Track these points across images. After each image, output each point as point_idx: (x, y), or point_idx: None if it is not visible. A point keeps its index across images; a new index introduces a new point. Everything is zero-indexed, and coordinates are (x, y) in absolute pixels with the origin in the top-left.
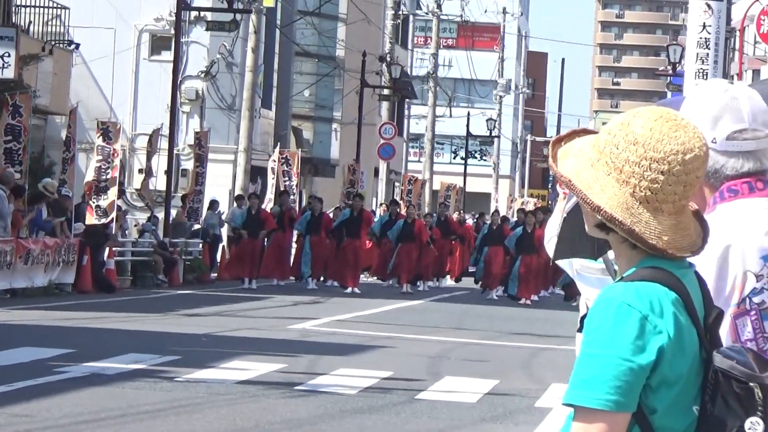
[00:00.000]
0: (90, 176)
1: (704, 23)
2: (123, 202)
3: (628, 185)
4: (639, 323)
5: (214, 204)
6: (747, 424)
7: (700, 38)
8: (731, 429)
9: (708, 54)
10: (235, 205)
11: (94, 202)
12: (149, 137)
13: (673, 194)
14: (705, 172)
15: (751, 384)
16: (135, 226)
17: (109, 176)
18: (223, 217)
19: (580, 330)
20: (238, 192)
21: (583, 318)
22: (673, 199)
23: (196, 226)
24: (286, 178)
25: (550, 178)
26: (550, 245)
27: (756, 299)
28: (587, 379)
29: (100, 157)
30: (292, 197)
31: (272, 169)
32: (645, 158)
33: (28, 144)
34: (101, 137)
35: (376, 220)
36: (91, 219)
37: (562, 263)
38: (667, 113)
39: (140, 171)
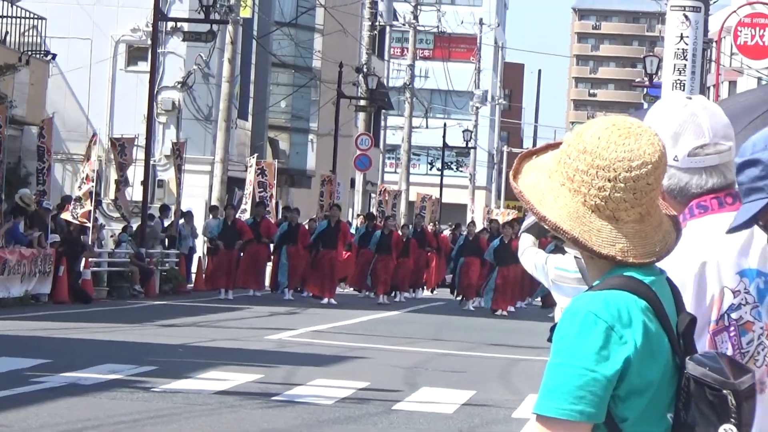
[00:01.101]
0: (82, 190)
1: (682, 34)
2: (99, 213)
3: (579, 194)
4: (604, 333)
5: (187, 215)
6: (720, 431)
7: (678, 49)
8: None
9: (686, 65)
10: (210, 216)
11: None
12: (120, 147)
13: (623, 202)
14: (659, 179)
15: (724, 391)
16: (111, 236)
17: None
18: (199, 229)
19: (550, 339)
20: (214, 203)
21: (553, 327)
22: (624, 207)
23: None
24: (262, 189)
25: None
26: (524, 257)
27: (734, 315)
28: (551, 388)
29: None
30: (267, 208)
31: (250, 181)
32: (592, 166)
33: (4, 155)
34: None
35: (353, 231)
36: (66, 215)
37: (537, 274)
38: (621, 122)
39: (116, 181)
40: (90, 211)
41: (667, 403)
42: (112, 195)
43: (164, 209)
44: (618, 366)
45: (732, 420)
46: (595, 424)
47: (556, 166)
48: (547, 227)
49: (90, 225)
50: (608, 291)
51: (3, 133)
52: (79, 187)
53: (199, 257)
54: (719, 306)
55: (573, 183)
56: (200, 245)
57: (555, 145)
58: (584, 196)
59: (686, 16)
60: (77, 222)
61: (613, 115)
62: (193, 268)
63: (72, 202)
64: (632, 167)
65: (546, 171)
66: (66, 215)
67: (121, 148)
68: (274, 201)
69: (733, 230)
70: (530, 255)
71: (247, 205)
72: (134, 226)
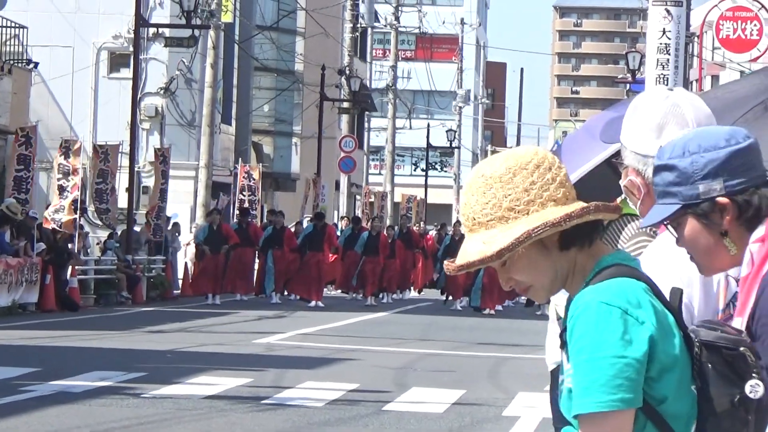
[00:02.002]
0: (54, 195)
1: (664, 29)
2: (84, 221)
3: (509, 216)
4: (621, 319)
5: (174, 225)
6: (747, 388)
7: (660, 44)
8: (732, 397)
9: (668, 59)
10: (202, 220)
11: (50, 215)
12: (104, 154)
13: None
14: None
15: (741, 349)
16: (97, 244)
17: (70, 196)
18: (183, 237)
19: (562, 347)
20: (200, 208)
21: (563, 333)
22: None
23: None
24: (250, 193)
25: None
26: None
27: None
28: (586, 385)
29: (60, 175)
30: (253, 212)
31: (241, 186)
32: (494, 196)
33: None
34: (62, 156)
35: (338, 233)
36: (48, 224)
37: None
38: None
39: (96, 189)
40: (75, 219)
41: (690, 376)
42: (97, 203)
43: (174, 224)
44: (645, 347)
45: (754, 375)
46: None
47: (480, 224)
48: (533, 237)
49: (76, 233)
50: (610, 280)
51: None
52: (60, 194)
53: (186, 263)
54: (725, 295)
55: (505, 212)
56: (182, 253)
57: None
58: (511, 211)
59: (668, 11)
60: (62, 230)
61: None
62: (180, 274)
63: (51, 212)
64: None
65: (477, 236)
66: (48, 225)
67: (104, 155)
68: (259, 205)
69: (643, 227)
70: None
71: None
72: (119, 232)
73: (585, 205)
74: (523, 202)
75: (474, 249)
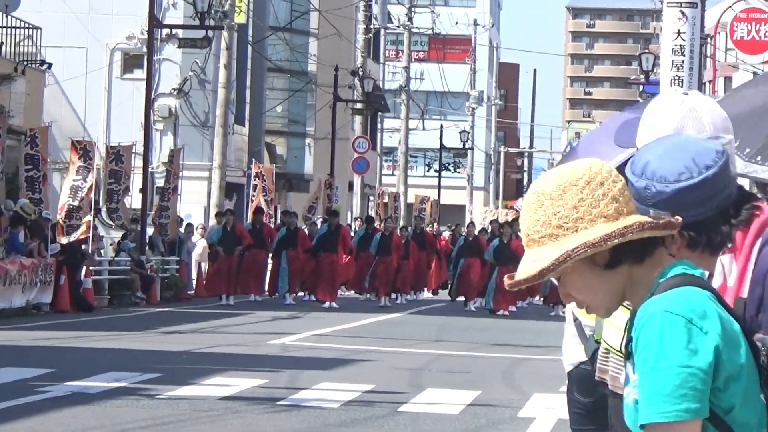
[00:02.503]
0: (66, 196)
1: (679, 30)
2: (99, 222)
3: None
4: (686, 328)
5: (188, 226)
6: None
7: (675, 45)
8: None
9: (683, 61)
10: (214, 221)
11: (66, 222)
12: (117, 155)
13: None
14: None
15: None
16: (111, 245)
17: (83, 195)
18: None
19: (627, 358)
20: (213, 209)
21: (628, 344)
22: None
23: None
24: (264, 194)
25: (524, 189)
26: None
27: None
28: (651, 395)
29: (79, 177)
30: (268, 212)
31: (254, 186)
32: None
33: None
34: (80, 157)
35: (352, 234)
36: (61, 239)
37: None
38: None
39: (109, 191)
40: (90, 222)
41: (758, 385)
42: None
43: (187, 226)
44: (710, 358)
45: None
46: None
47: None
48: (616, 241)
49: (90, 234)
50: (674, 289)
51: (2, 144)
52: (74, 197)
53: (200, 264)
54: None
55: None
56: (194, 254)
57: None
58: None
59: (683, 12)
60: (75, 241)
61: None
62: (193, 275)
63: (64, 221)
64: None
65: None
66: (62, 239)
67: (117, 156)
68: (273, 206)
69: None
70: None
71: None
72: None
73: (628, 224)
74: (572, 220)
75: (525, 266)
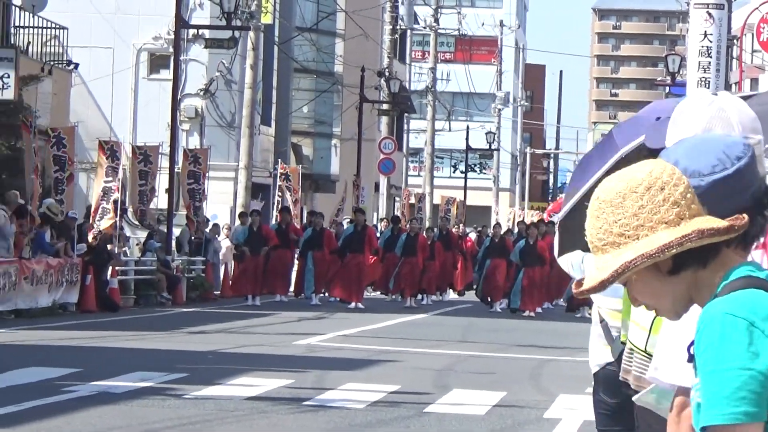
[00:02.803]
0: (98, 198)
1: (705, 32)
2: (125, 222)
3: (662, 223)
4: (747, 331)
5: (214, 226)
6: None
7: (702, 47)
8: None
9: (710, 62)
10: (238, 222)
11: (97, 225)
12: (143, 155)
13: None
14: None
15: None
16: (137, 245)
17: (112, 197)
18: (220, 237)
19: (690, 360)
20: (239, 209)
21: (690, 347)
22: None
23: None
24: (289, 194)
25: (550, 191)
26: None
27: None
28: (711, 397)
29: (109, 179)
30: (294, 212)
31: (280, 186)
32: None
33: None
34: (107, 157)
35: (378, 235)
36: (90, 240)
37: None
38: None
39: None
40: (116, 222)
41: None
42: (140, 204)
43: (214, 226)
44: None
45: None
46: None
47: (622, 236)
48: (674, 250)
49: (116, 234)
50: (737, 292)
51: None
52: (104, 197)
53: (225, 264)
54: None
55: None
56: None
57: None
58: (666, 223)
59: (710, 14)
60: (103, 231)
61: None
62: (220, 275)
63: (94, 219)
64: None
65: (616, 249)
66: (91, 239)
67: (146, 156)
68: (299, 206)
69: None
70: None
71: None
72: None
73: (687, 232)
74: (632, 227)
75: (589, 274)
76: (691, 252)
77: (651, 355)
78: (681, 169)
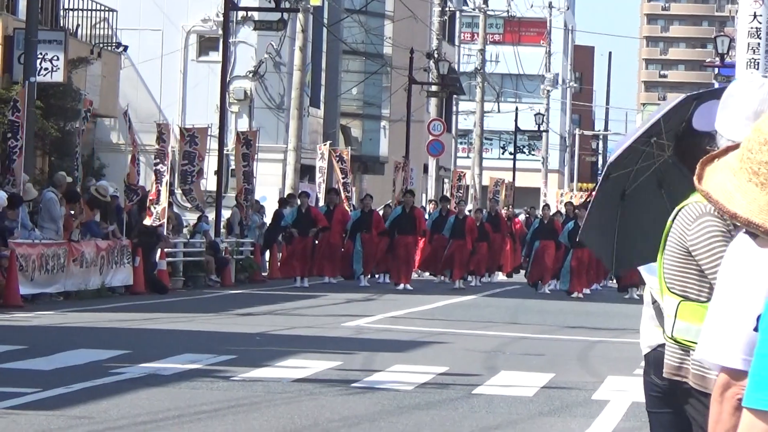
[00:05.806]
0: (152, 181)
1: (755, 13)
2: (174, 203)
3: (765, 187)
4: None
5: (259, 206)
6: None
7: (751, 28)
8: None
9: (759, 44)
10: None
11: (154, 208)
12: (191, 137)
13: None
14: None
15: None
16: (186, 227)
17: (164, 179)
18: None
19: (756, 329)
20: (288, 191)
21: (758, 318)
22: None
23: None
24: (344, 176)
25: (599, 172)
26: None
27: None
28: (759, 379)
29: (158, 160)
30: (346, 194)
31: (320, 168)
32: None
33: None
34: (159, 140)
35: (426, 217)
36: (147, 221)
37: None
38: None
39: (182, 172)
40: (166, 207)
41: None
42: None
43: (259, 206)
44: None
45: None
46: None
47: (739, 163)
48: (739, 223)
49: (165, 219)
50: None
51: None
52: (156, 180)
53: (274, 245)
54: None
55: (758, 177)
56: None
57: (734, 147)
58: None
59: None
60: (154, 225)
61: None
62: (267, 257)
63: (150, 203)
64: None
65: (730, 170)
66: (148, 221)
67: (192, 138)
68: (350, 188)
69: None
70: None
71: (320, 193)
72: (210, 216)
73: None
74: None
75: (719, 188)
76: None
77: (677, 341)
78: None
